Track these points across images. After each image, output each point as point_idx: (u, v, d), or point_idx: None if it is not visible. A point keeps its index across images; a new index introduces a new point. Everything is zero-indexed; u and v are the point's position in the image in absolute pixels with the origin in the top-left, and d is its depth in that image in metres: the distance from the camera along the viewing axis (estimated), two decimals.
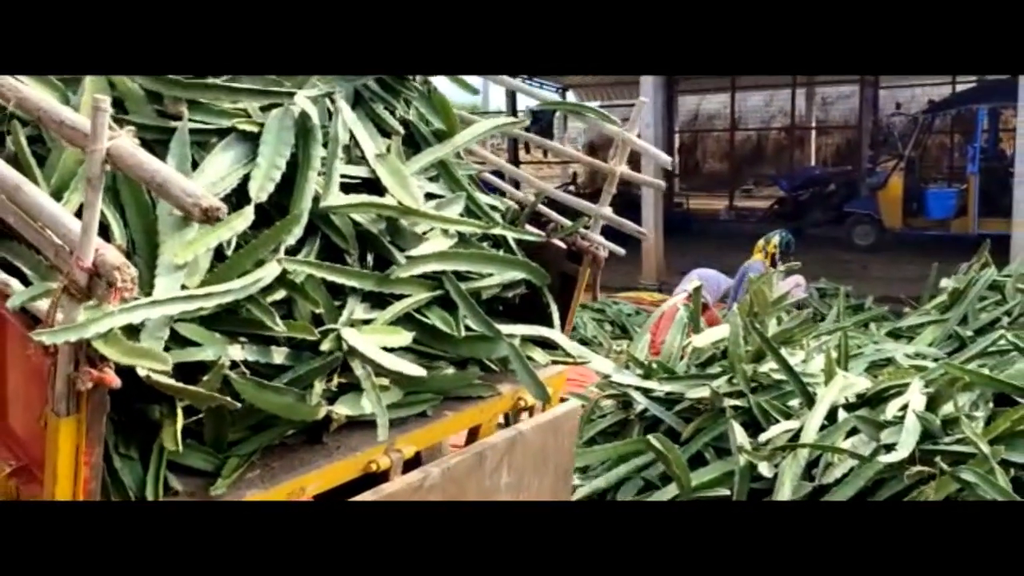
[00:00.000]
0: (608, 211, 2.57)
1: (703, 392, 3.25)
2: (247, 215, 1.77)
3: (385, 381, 1.97)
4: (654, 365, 3.64)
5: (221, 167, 1.86)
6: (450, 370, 2.15)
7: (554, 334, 2.34)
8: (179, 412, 1.67)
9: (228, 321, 1.78)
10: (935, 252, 9.15)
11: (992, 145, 12.62)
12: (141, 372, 1.53)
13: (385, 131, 2.30)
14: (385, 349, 1.93)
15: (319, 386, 1.85)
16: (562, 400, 2.50)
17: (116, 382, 1.46)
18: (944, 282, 6.03)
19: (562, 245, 2.56)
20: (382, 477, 1.98)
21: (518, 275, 2.31)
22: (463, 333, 2.11)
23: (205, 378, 1.65)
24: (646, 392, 3.31)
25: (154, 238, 1.74)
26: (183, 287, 1.67)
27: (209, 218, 1.26)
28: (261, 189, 1.86)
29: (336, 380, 1.90)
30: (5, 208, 1.59)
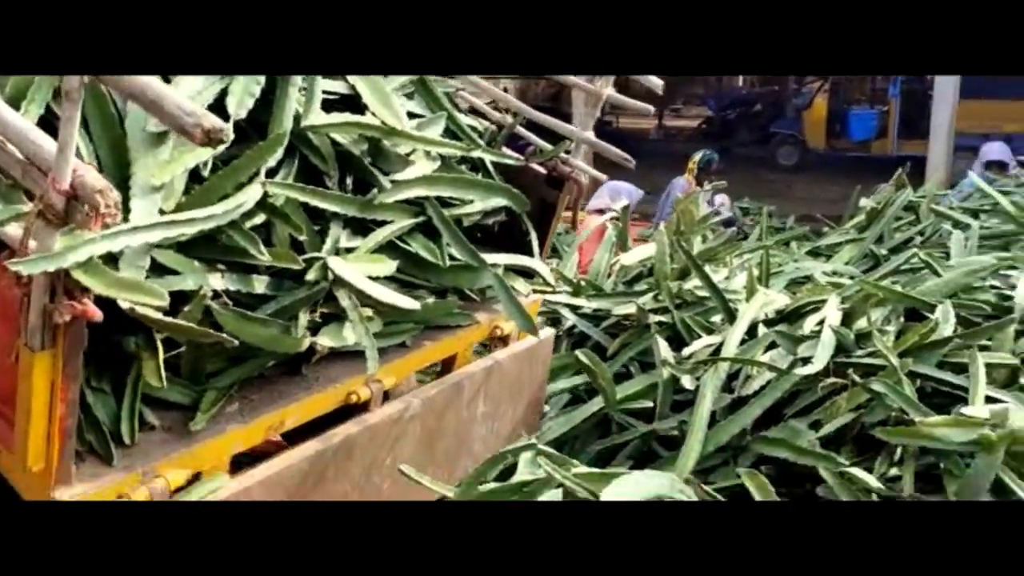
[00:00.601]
0: (591, 135, 2.49)
1: (629, 309, 3.30)
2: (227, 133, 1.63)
3: (368, 311, 1.91)
4: (582, 283, 3.67)
5: (196, 80, 1.70)
6: (430, 299, 2.10)
7: (535, 263, 2.30)
8: (159, 345, 1.57)
9: (206, 248, 1.67)
10: (856, 172, 9.44)
11: None
12: (124, 304, 1.42)
13: None
14: (369, 278, 1.85)
15: (304, 317, 1.77)
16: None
17: (98, 315, 1.36)
18: (863, 202, 6.25)
19: (541, 170, 2.49)
20: (362, 408, 1.94)
21: (500, 201, 2.24)
22: (447, 262, 2.05)
23: (186, 309, 1.55)
24: (574, 309, 3.33)
25: (123, 156, 1.60)
26: (160, 211, 1.55)
27: (211, 140, 1.15)
28: (240, 105, 1.72)
29: (320, 310, 1.82)
30: None
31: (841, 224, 6.63)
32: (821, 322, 2.84)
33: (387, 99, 1.99)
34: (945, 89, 9.57)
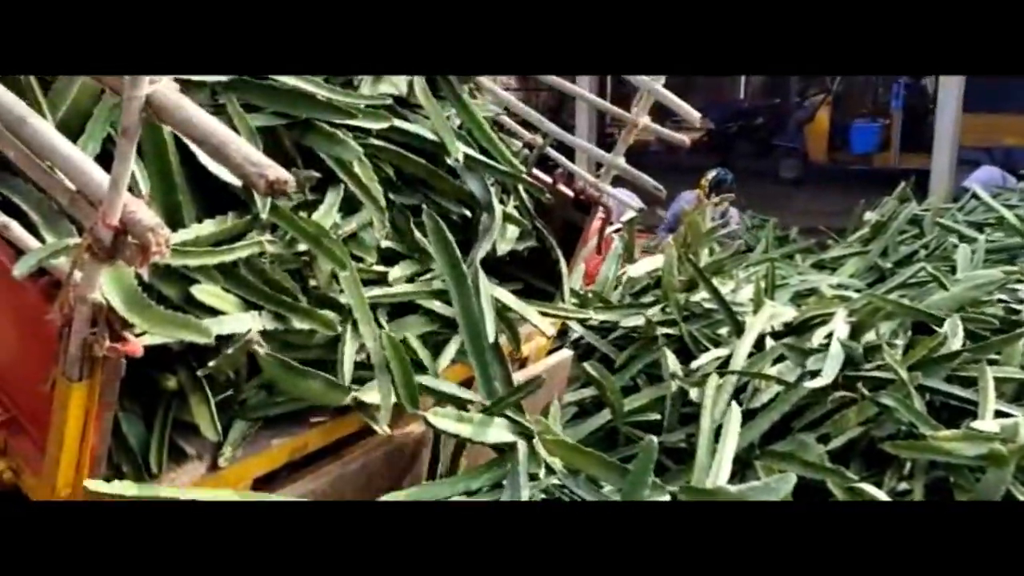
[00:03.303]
0: (622, 161, 2.51)
1: (637, 321, 3.31)
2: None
3: None
4: (589, 295, 3.69)
5: None
6: None
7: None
8: (206, 388, 1.60)
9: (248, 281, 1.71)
10: (858, 186, 9.46)
11: (915, 81, 12.97)
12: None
13: None
14: None
15: (348, 364, 1.80)
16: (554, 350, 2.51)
17: (139, 351, 1.38)
18: (867, 216, 6.28)
19: (569, 192, 2.51)
20: None
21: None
22: None
23: (229, 351, 1.59)
24: (581, 321, 3.34)
25: (176, 196, 1.64)
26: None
27: (275, 192, 1.16)
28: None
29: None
30: (3, 139, 1.42)
31: (845, 237, 6.66)
32: (829, 335, 2.86)
33: (443, 124, 2.03)
34: (948, 102, 9.59)
